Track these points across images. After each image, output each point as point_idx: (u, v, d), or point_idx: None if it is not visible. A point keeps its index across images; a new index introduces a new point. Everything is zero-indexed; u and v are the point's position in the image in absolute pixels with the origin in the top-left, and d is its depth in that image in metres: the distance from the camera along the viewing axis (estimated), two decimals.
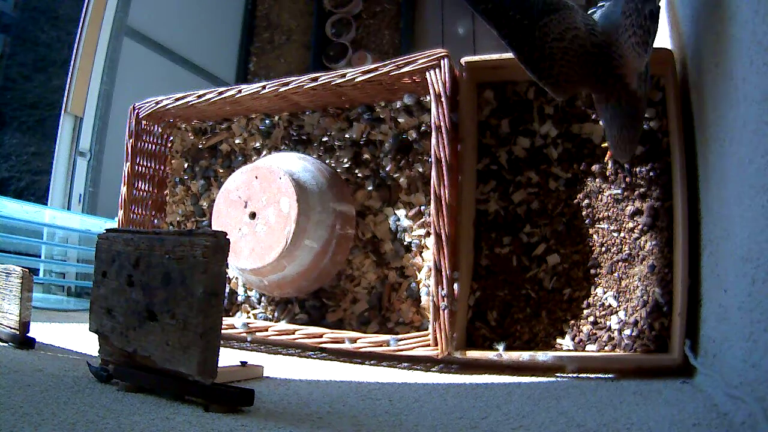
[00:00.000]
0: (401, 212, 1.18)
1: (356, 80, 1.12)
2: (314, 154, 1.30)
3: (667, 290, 0.95)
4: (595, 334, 0.97)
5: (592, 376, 0.94)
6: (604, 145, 1.01)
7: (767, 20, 0.57)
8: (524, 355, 0.95)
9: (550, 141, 1.07)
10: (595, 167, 1.03)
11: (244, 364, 0.94)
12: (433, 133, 1.02)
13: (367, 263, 1.20)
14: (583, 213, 1.03)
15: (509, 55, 1.07)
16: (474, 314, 1.06)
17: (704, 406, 0.70)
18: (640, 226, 0.98)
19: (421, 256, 1.15)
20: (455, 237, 1.02)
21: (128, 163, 1.42)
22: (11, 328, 1.04)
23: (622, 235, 1.00)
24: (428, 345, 0.99)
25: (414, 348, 1.00)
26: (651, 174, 1.00)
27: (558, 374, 0.95)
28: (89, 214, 2.21)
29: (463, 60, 1.09)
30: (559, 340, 0.99)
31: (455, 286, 0.99)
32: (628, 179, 1.01)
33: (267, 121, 1.37)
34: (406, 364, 1.08)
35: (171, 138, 1.53)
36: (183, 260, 0.73)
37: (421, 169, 1.17)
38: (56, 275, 2.15)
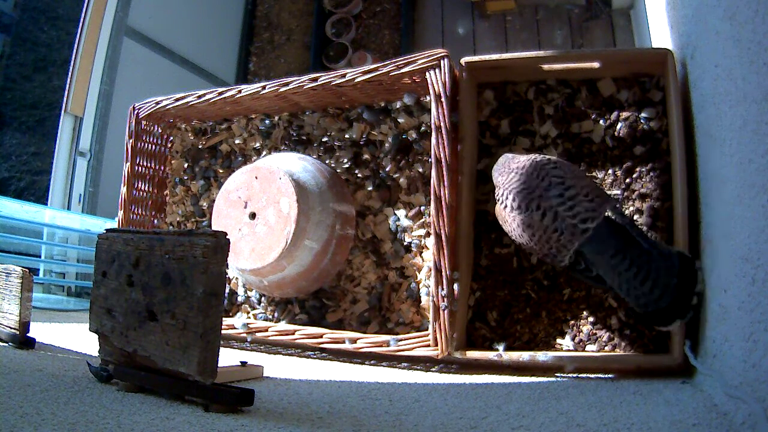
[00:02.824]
0: (401, 212, 1.18)
1: (356, 80, 1.12)
2: (314, 155, 1.30)
3: None
4: (595, 334, 0.97)
5: (592, 376, 0.94)
6: None
7: (767, 20, 0.57)
8: (524, 355, 0.95)
9: (550, 141, 1.07)
10: (594, 168, 1.03)
11: (244, 364, 0.94)
12: (433, 134, 1.02)
13: (367, 263, 1.20)
14: None
15: (509, 55, 1.08)
16: (474, 314, 1.06)
17: (704, 406, 0.70)
18: (640, 226, 0.98)
19: (421, 256, 1.15)
20: (455, 237, 1.02)
21: (128, 163, 1.42)
22: (11, 328, 1.04)
23: None
24: (428, 345, 0.98)
25: (414, 348, 1.00)
26: (651, 174, 1.00)
27: (558, 374, 0.95)
28: (89, 214, 2.21)
29: (463, 60, 1.09)
30: (559, 340, 0.99)
31: (455, 286, 0.99)
32: (627, 180, 1.01)
33: (267, 122, 1.37)
34: (406, 364, 1.08)
35: (171, 138, 1.53)
36: (183, 260, 0.73)
37: (421, 169, 1.17)
38: (56, 275, 2.15)
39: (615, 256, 0.80)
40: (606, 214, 0.83)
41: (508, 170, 0.89)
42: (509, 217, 0.88)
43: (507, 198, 0.88)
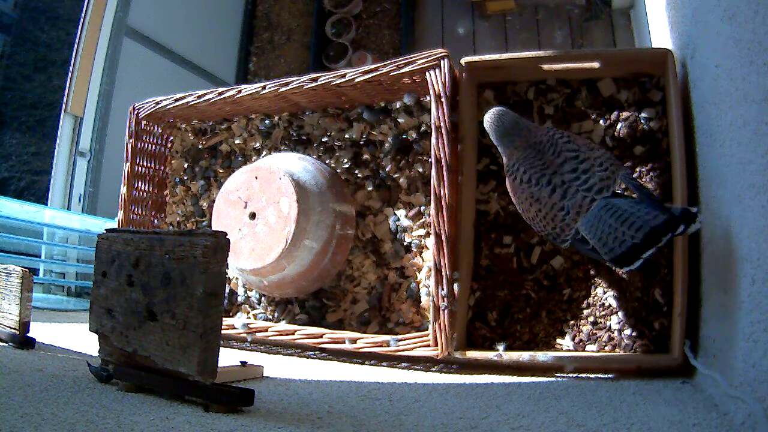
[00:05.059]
0: (401, 212, 1.18)
1: (356, 80, 1.12)
2: (314, 154, 1.30)
3: (667, 290, 0.95)
4: (595, 334, 0.97)
5: (592, 376, 0.94)
6: None
7: (767, 20, 0.57)
8: (524, 355, 0.95)
9: None
10: None
11: (244, 364, 0.94)
12: (433, 134, 1.02)
13: (367, 263, 1.20)
14: None
15: (509, 55, 1.08)
16: (474, 314, 1.06)
17: (704, 406, 0.70)
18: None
19: (421, 256, 1.15)
20: (455, 237, 1.02)
21: (128, 163, 1.42)
22: (11, 328, 1.04)
23: None
24: (428, 345, 0.98)
25: (414, 348, 1.00)
26: (651, 174, 1.00)
27: (558, 374, 0.95)
28: (89, 214, 2.21)
29: (463, 60, 1.09)
30: (559, 340, 0.99)
31: (455, 286, 0.99)
32: None
33: (267, 122, 1.37)
34: (406, 364, 1.08)
35: (171, 138, 1.53)
36: (183, 260, 0.73)
37: (421, 169, 1.17)
38: (56, 275, 2.15)
39: (607, 209, 0.79)
40: (617, 181, 0.84)
41: (525, 145, 0.89)
42: (519, 190, 0.90)
43: (518, 171, 0.89)
